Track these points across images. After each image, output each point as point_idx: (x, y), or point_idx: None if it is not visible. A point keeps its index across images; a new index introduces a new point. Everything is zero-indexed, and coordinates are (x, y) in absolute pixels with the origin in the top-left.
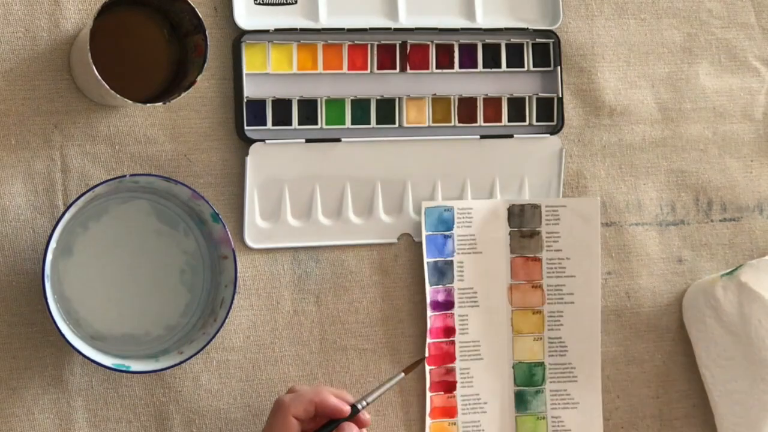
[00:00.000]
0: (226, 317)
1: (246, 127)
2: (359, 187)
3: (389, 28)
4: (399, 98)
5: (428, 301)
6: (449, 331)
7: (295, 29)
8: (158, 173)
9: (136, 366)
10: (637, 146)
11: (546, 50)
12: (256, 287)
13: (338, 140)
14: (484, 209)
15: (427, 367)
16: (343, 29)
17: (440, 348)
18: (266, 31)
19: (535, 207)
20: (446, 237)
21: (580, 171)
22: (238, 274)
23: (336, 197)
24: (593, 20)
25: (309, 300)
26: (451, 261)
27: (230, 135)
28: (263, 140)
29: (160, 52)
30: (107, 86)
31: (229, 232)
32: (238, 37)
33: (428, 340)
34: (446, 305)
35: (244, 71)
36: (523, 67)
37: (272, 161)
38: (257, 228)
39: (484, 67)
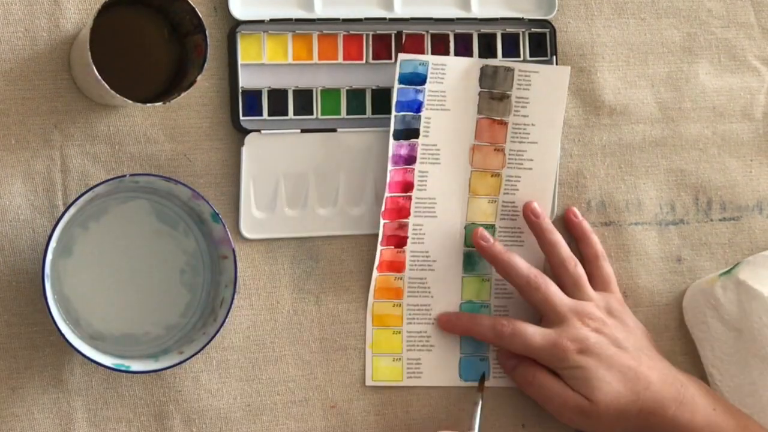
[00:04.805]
0: (226, 317)
1: (242, 118)
2: (355, 177)
3: (384, 18)
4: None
5: (390, 154)
6: (408, 186)
7: (290, 19)
8: (158, 173)
9: (136, 366)
10: (637, 146)
11: (541, 40)
12: (256, 287)
13: (334, 130)
14: (458, 67)
15: (381, 221)
16: (338, 19)
17: (396, 203)
18: (261, 22)
19: (509, 70)
20: (417, 91)
21: (580, 170)
22: (238, 274)
23: (332, 187)
24: (593, 20)
25: (309, 300)
26: (419, 116)
27: (230, 135)
28: (259, 130)
29: (160, 52)
30: (107, 86)
31: (229, 232)
32: (234, 28)
33: (386, 194)
34: (408, 160)
35: (240, 61)
36: (518, 56)
37: (268, 151)
38: (253, 218)
39: (479, 56)
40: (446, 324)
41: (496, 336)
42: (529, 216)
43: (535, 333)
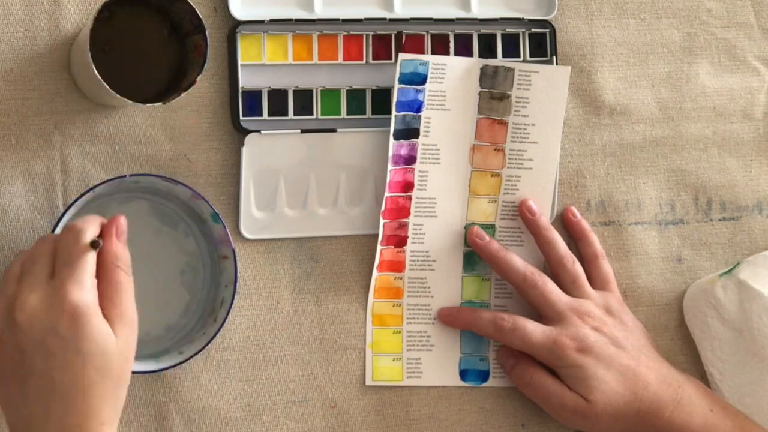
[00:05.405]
0: (226, 317)
1: (242, 118)
2: (355, 177)
3: (384, 18)
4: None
5: (390, 154)
6: (408, 186)
7: (290, 20)
8: (158, 173)
9: (136, 366)
10: (637, 146)
11: (541, 40)
12: (256, 287)
13: (334, 130)
14: (458, 67)
15: (381, 221)
16: (338, 19)
17: (396, 202)
18: (261, 22)
19: (509, 70)
20: (418, 91)
21: (580, 170)
22: (238, 274)
23: (331, 187)
24: (593, 20)
25: (309, 300)
26: (419, 116)
27: (230, 135)
28: (259, 131)
29: (160, 52)
30: (107, 86)
31: (229, 233)
32: (234, 28)
33: (386, 194)
34: (408, 160)
35: (240, 62)
36: (518, 57)
37: (268, 152)
38: (253, 218)
39: (479, 57)
40: (447, 317)
41: (497, 330)
42: (525, 214)
43: (535, 329)
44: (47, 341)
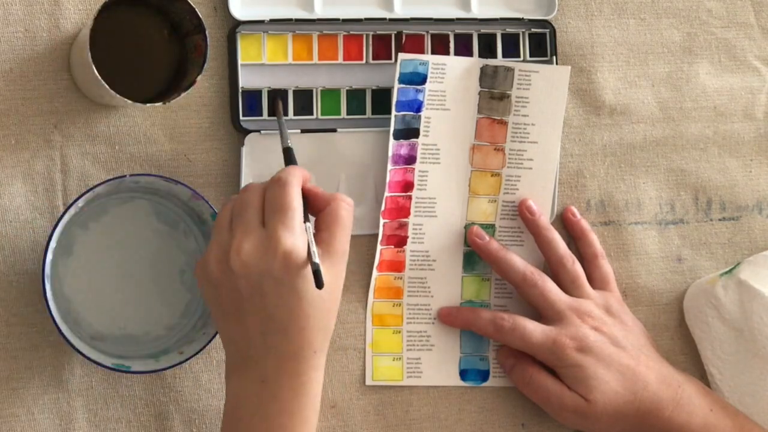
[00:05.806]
0: None
1: (242, 118)
2: (355, 177)
3: (384, 18)
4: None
5: (390, 154)
6: (408, 186)
7: (290, 19)
8: (158, 173)
9: (136, 366)
10: (638, 145)
11: (541, 40)
12: None
13: (334, 130)
14: (458, 67)
15: (381, 221)
16: (338, 19)
17: (396, 202)
18: (261, 22)
19: (509, 70)
20: (418, 91)
21: (580, 170)
22: None
23: (331, 187)
24: (593, 20)
25: None
26: (419, 116)
27: (230, 135)
28: (259, 131)
29: (160, 52)
30: (107, 86)
31: None
32: (234, 28)
33: (386, 194)
34: (408, 160)
35: (240, 61)
36: (518, 57)
37: (268, 152)
38: None
39: (479, 57)
40: (447, 317)
41: (496, 330)
42: (525, 213)
43: (535, 329)
44: (263, 283)
